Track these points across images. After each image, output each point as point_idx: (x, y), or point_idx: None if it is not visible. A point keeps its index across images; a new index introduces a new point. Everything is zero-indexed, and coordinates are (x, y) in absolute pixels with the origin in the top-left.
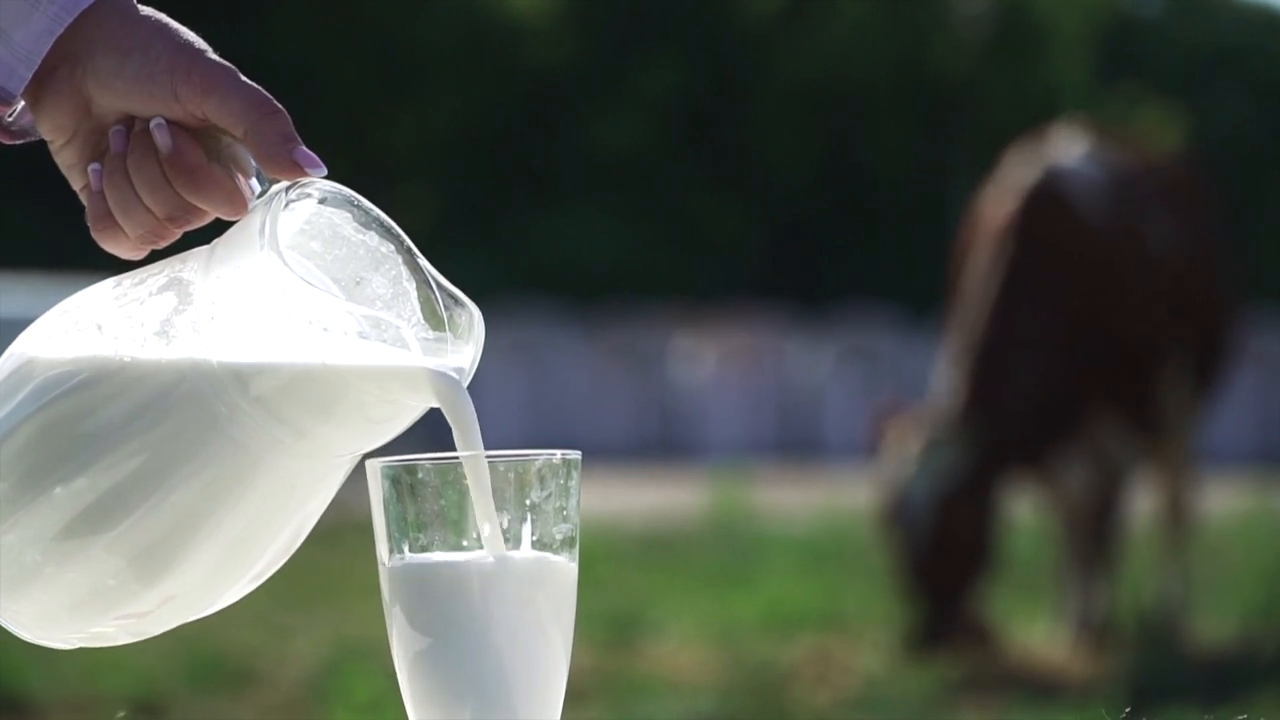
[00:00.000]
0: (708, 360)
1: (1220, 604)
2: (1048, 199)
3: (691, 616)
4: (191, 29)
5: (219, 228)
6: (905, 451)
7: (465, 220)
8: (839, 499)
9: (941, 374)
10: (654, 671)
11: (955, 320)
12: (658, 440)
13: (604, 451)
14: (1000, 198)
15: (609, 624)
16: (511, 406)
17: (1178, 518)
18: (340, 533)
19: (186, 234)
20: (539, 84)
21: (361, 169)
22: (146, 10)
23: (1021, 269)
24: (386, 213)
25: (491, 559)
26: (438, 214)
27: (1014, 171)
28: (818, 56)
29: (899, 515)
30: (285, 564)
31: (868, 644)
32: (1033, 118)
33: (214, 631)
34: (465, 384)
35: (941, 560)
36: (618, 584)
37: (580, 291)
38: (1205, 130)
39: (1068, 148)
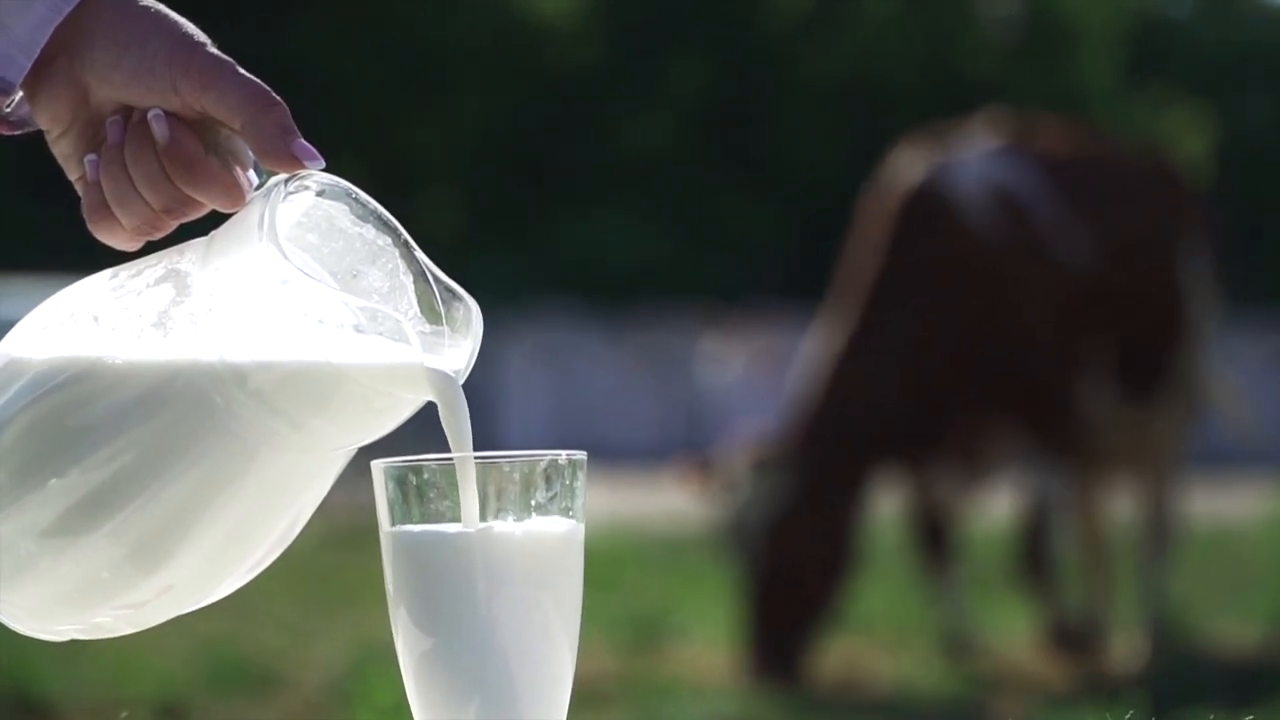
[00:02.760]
0: (734, 362)
1: (1245, 607)
2: (928, 201)
3: (715, 619)
4: (216, 30)
5: (215, 219)
6: (738, 473)
7: (491, 222)
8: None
9: (797, 382)
10: (677, 674)
11: (823, 326)
12: (684, 442)
13: (630, 453)
14: (883, 198)
15: (633, 626)
16: (537, 408)
17: (1159, 527)
18: (362, 536)
19: (182, 225)
20: (565, 85)
21: (387, 171)
22: (146, 1)
23: (894, 274)
24: (413, 214)
25: (493, 534)
26: (464, 216)
27: (901, 169)
28: (844, 57)
29: (735, 543)
30: (307, 567)
31: (894, 647)
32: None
33: (236, 635)
34: (462, 379)
35: (780, 588)
36: (642, 586)
37: (606, 293)
38: (1235, 130)
39: (967, 144)
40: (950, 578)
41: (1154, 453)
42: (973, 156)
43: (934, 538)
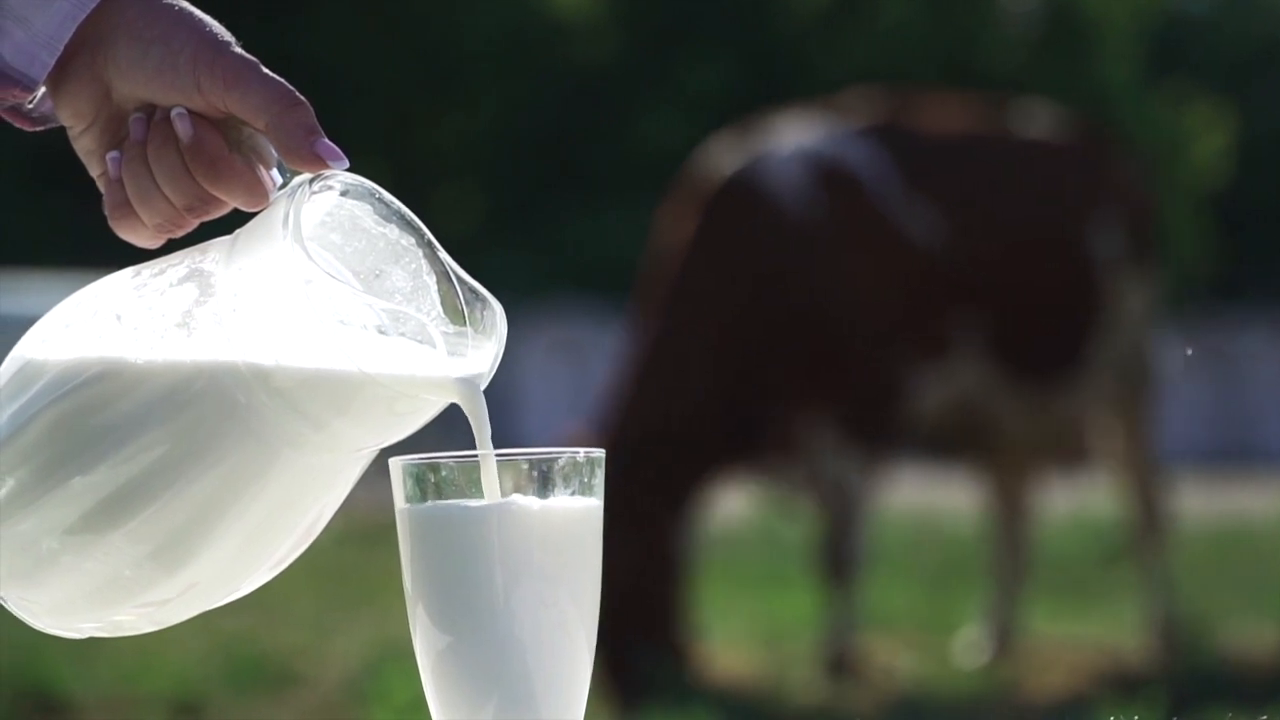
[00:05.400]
0: None
1: (1267, 607)
2: (741, 190)
3: (736, 617)
4: (235, 26)
5: (236, 218)
6: None
7: (509, 219)
8: (884, 501)
9: (603, 387)
10: (697, 673)
11: (628, 326)
12: None
13: None
14: (695, 189)
15: None
16: (555, 405)
17: (1149, 526)
18: (382, 533)
19: (204, 224)
20: (583, 82)
21: (405, 168)
22: None
23: (702, 267)
24: (432, 211)
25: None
26: (482, 212)
27: (715, 158)
28: (864, 53)
29: None
30: (326, 565)
31: (911, 645)
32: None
33: (254, 632)
34: (486, 382)
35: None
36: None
37: (624, 290)
38: (1256, 127)
39: (792, 129)
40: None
41: (1075, 438)
42: (797, 141)
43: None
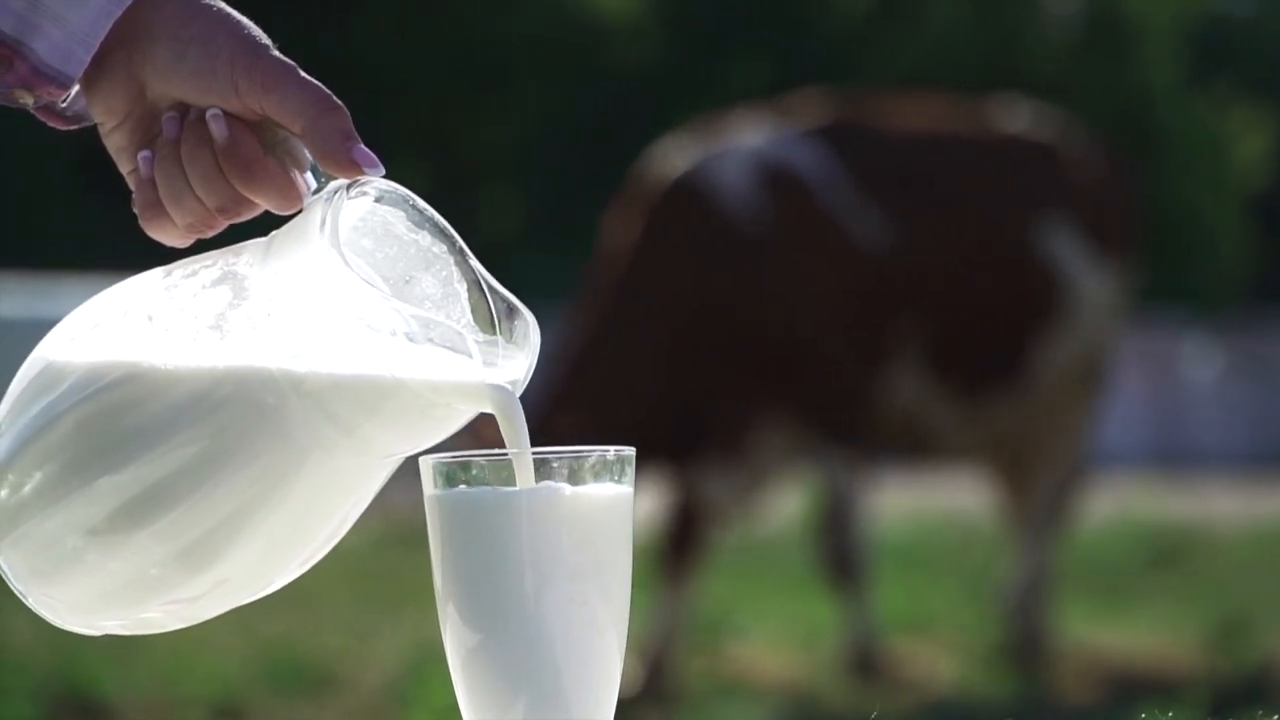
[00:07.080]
0: None
1: None
2: (689, 192)
3: (777, 619)
4: (276, 27)
5: (267, 220)
6: None
7: (551, 221)
8: (927, 502)
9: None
10: (739, 674)
11: (570, 323)
12: None
13: None
14: (643, 190)
15: (692, 626)
16: None
17: (1044, 511)
18: (420, 535)
19: (234, 224)
20: (625, 85)
21: (447, 172)
22: None
23: (649, 268)
24: (473, 214)
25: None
26: (524, 216)
27: (664, 160)
28: (907, 57)
29: None
30: (365, 567)
31: (953, 648)
32: (1124, 117)
33: (293, 635)
34: (519, 391)
35: None
36: (703, 586)
37: None
38: None
39: (743, 130)
40: (684, 591)
41: (1021, 442)
42: (744, 143)
43: (682, 542)
